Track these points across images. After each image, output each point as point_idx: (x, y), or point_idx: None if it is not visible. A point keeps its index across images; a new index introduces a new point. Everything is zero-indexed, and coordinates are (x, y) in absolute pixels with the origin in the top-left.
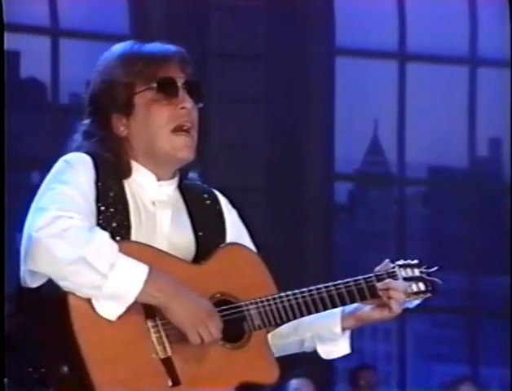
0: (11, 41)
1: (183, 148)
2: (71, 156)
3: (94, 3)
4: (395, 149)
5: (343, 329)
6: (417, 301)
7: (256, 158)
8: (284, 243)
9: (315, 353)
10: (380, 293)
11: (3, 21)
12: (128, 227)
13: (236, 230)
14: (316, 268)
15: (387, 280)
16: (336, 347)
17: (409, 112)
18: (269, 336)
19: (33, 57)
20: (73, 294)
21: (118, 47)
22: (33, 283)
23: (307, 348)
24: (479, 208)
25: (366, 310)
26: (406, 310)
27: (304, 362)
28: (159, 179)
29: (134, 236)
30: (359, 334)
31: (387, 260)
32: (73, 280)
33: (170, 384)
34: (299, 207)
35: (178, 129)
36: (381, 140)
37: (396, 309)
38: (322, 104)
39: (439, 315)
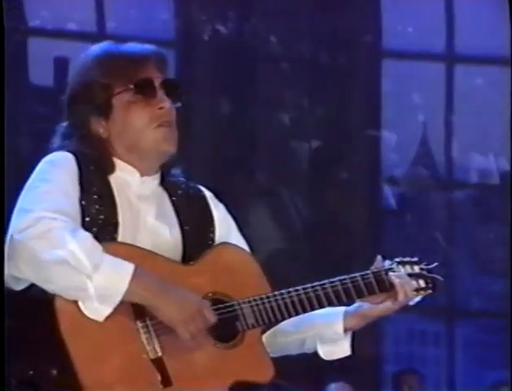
0: (59, 47)
1: (165, 141)
2: (53, 156)
3: (139, 9)
4: (443, 152)
5: (346, 330)
6: (417, 298)
7: (302, 161)
8: (331, 246)
9: (357, 357)
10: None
11: (3, 22)
12: (115, 224)
13: (224, 225)
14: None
15: (397, 273)
16: (337, 348)
17: (458, 114)
18: (270, 333)
19: None
20: (60, 296)
21: (95, 48)
22: (18, 286)
23: (307, 348)
24: None
25: (366, 307)
26: (452, 314)
27: (346, 366)
28: (142, 174)
29: (120, 232)
30: (408, 338)
31: (379, 256)
32: (58, 283)
33: (161, 384)
34: (347, 210)
35: (158, 127)
36: (430, 143)
37: (402, 300)
38: (369, 107)
39: (488, 320)
